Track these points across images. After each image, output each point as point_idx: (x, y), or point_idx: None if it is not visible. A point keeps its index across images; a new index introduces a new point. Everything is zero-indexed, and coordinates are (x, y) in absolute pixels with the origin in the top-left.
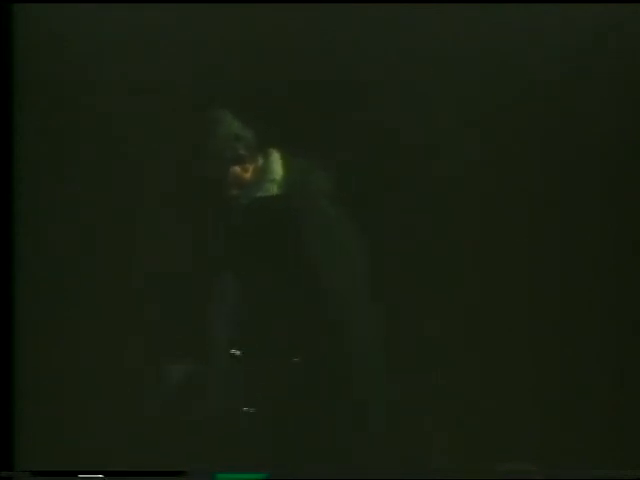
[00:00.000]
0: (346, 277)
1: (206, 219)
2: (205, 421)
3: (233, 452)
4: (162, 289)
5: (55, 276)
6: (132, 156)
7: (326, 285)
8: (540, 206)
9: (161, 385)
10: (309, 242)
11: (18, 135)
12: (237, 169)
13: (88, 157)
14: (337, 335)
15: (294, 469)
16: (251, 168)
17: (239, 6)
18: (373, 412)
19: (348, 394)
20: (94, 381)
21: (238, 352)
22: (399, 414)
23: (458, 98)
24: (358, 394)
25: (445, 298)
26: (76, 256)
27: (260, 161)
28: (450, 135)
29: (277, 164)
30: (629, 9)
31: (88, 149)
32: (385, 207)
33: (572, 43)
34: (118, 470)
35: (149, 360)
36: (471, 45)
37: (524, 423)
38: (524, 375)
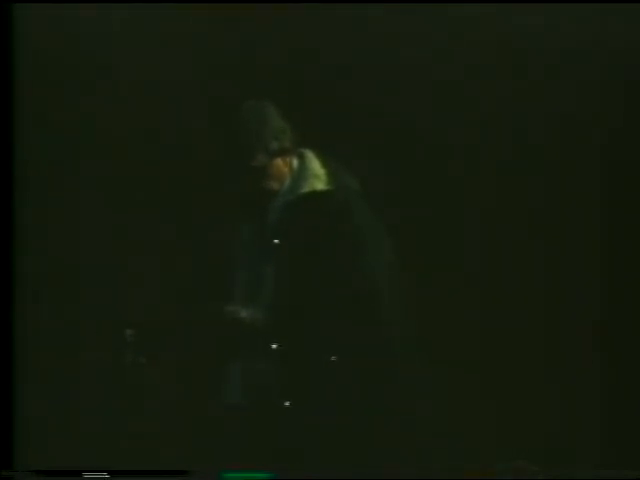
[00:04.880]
0: (381, 275)
1: (244, 212)
2: (212, 419)
3: (240, 451)
4: (184, 283)
5: (55, 276)
6: (159, 149)
7: (361, 283)
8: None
9: (162, 384)
10: (345, 238)
11: (18, 135)
12: (279, 162)
13: (100, 155)
14: (365, 333)
15: (301, 469)
16: (292, 162)
17: (287, 5)
18: (384, 412)
19: (362, 393)
20: (94, 381)
21: (275, 346)
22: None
23: (497, 98)
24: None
25: (478, 297)
26: (94, 255)
27: (301, 155)
28: (486, 136)
29: (317, 160)
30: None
31: (96, 148)
32: (417, 207)
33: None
34: (123, 469)
35: (151, 359)
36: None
37: (524, 423)
38: (524, 375)
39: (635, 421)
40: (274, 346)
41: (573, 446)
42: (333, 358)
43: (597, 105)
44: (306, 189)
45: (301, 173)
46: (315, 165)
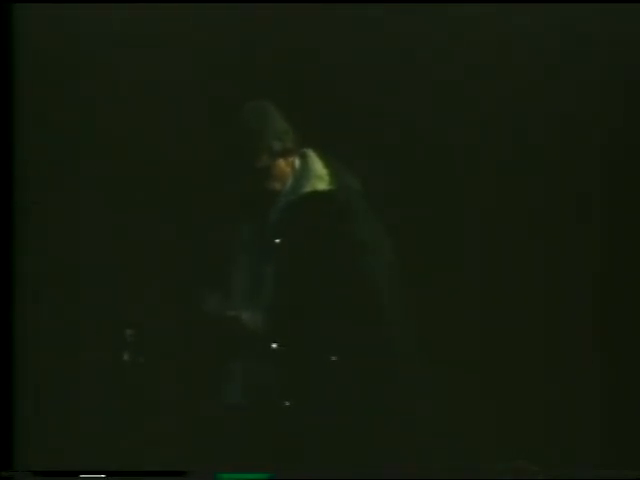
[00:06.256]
0: (381, 275)
1: (246, 212)
2: (212, 420)
3: (237, 452)
4: (185, 282)
5: (55, 276)
6: (160, 151)
7: (362, 282)
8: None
9: (162, 384)
10: (346, 239)
11: (18, 135)
12: (282, 162)
13: (100, 155)
14: (366, 333)
15: (301, 469)
16: (294, 162)
17: (287, 5)
18: (380, 412)
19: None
20: (94, 381)
21: (275, 346)
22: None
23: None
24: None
25: (478, 297)
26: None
27: (303, 156)
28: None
29: (319, 160)
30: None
31: (96, 148)
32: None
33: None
34: (120, 470)
35: (151, 359)
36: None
37: (524, 423)
38: (524, 375)
39: (635, 421)
40: (274, 346)
41: (573, 446)
42: (333, 358)
43: (597, 105)
44: (308, 189)
45: (303, 173)
46: (317, 165)
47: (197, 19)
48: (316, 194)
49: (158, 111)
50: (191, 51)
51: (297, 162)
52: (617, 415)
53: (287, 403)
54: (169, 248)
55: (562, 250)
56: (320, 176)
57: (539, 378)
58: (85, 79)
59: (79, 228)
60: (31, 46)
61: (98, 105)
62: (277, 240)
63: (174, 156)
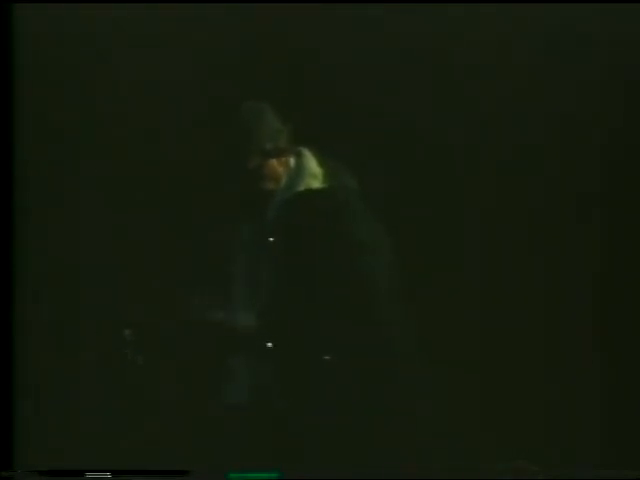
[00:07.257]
0: (378, 275)
1: (243, 211)
2: (212, 419)
3: (246, 451)
4: (185, 282)
5: (55, 276)
6: (159, 150)
7: (358, 282)
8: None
9: (162, 384)
10: (342, 238)
11: (18, 135)
12: (274, 162)
13: (100, 155)
14: (365, 332)
15: (301, 469)
16: (288, 162)
17: (274, 5)
18: (389, 413)
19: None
20: (95, 381)
21: (270, 345)
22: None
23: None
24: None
25: (477, 297)
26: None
27: (299, 155)
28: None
29: (314, 159)
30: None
31: (96, 148)
32: (415, 206)
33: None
34: (126, 469)
35: (152, 358)
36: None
37: (524, 423)
38: (524, 375)
39: (635, 421)
40: (274, 346)
41: (573, 446)
42: (327, 357)
43: (597, 105)
44: (302, 188)
45: (298, 172)
46: (312, 164)
47: (197, 19)
48: (310, 192)
49: (158, 111)
50: (191, 51)
51: (292, 161)
52: (617, 415)
53: (286, 403)
54: (169, 248)
55: (562, 250)
56: (314, 175)
57: (539, 378)
58: (85, 79)
59: (79, 228)
60: (31, 46)
61: (98, 105)
62: (271, 239)
63: (174, 156)
